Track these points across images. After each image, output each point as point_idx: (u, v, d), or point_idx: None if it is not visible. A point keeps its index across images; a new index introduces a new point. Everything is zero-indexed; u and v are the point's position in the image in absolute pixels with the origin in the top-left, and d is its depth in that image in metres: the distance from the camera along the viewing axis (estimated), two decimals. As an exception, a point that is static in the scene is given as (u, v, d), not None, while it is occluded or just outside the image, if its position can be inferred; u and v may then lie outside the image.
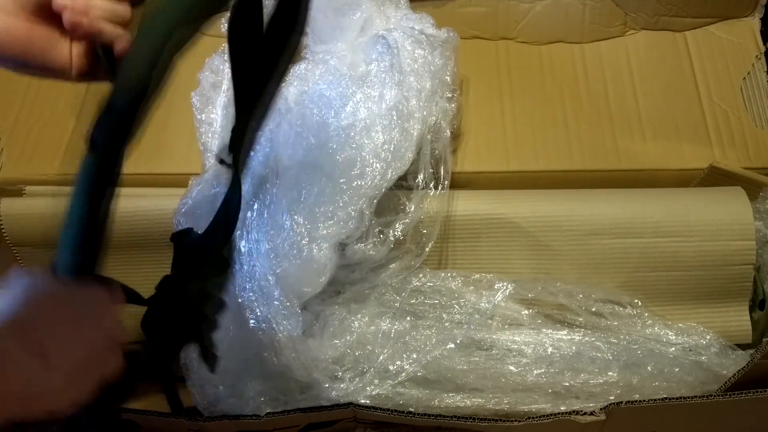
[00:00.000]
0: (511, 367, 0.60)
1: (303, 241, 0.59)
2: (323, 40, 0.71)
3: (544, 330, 0.63)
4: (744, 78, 0.80)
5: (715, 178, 0.72)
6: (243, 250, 0.59)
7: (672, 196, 0.68)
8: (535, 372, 0.60)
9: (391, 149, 0.63)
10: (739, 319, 0.65)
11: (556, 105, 0.79)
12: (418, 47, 0.69)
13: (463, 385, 0.60)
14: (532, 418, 0.55)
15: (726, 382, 0.57)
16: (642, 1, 0.82)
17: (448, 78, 0.70)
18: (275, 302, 0.56)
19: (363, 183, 0.61)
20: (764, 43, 0.81)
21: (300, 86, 0.69)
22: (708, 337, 0.63)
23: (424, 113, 0.66)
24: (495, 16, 0.84)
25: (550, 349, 0.61)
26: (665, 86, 0.80)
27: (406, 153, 0.63)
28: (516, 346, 0.62)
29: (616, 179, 0.75)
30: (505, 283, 0.64)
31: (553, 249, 0.66)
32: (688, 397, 0.55)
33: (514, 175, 0.74)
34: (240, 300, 0.56)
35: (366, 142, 0.63)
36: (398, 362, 0.59)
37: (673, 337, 0.63)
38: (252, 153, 0.57)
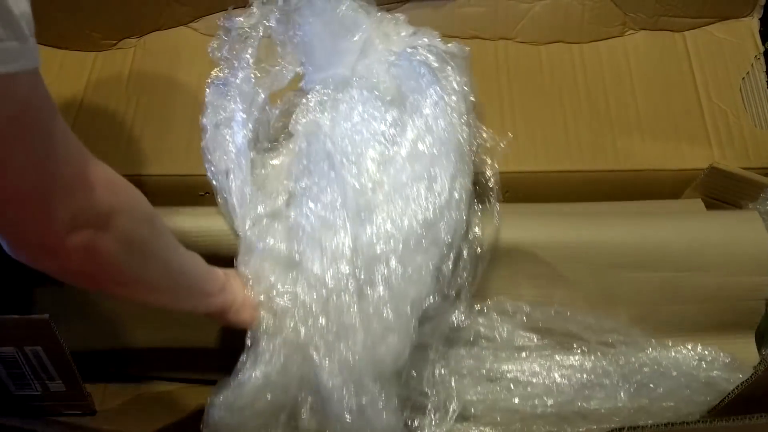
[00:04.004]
0: (521, 399, 0.59)
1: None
2: (321, 67, 0.67)
3: (554, 357, 0.62)
4: (743, 78, 0.80)
5: (716, 178, 0.72)
6: None
7: (691, 225, 0.66)
8: (544, 402, 0.59)
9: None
10: (747, 350, 0.65)
11: (555, 105, 0.79)
12: (446, 65, 0.65)
13: (470, 416, 0.59)
14: None
15: (728, 395, 0.57)
16: (641, 2, 0.82)
17: (472, 98, 0.66)
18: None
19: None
20: (763, 44, 0.81)
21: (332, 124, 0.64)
22: (719, 356, 0.62)
23: (471, 140, 0.64)
24: (494, 16, 0.84)
25: (559, 379, 0.60)
26: (664, 86, 0.80)
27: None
28: (525, 378, 0.61)
29: (615, 179, 0.75)
30: (516, 313, 0.63)
31: (569, 280, 0.64)
32: (691, 423, 0.55)
33: (514, 175, 0.74)
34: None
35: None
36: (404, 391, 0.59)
37: (685, 359, 0.62)
38: None
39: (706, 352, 0.62)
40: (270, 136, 0.67)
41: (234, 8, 0.69)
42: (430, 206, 0.58)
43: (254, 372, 0.54)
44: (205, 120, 0.65)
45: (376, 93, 0.65)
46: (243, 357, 0.55)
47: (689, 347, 0.63)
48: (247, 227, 0.60)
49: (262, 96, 0.65)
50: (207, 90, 0.66)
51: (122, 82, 0.82)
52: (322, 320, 0.55)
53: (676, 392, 0.60)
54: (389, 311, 0.54)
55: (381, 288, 0.55)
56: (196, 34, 0.85)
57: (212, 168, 0.63)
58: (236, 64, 0.65)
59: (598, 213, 0.69)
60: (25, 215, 0.39)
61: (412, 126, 0.62)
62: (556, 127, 0.77)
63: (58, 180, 0.39)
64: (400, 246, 0.56)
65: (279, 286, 0.57)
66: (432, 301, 0.56)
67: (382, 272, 0.56)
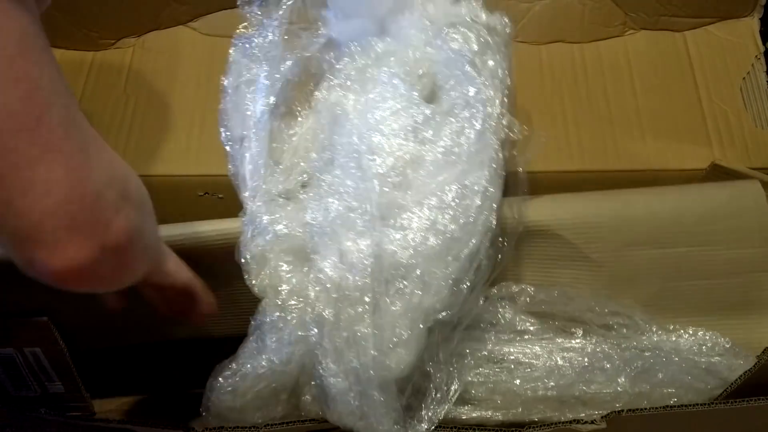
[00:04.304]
0: (521, 381, 0.59)
1: None
2: (346, 13, 0.62)
3: (556, 340, 0.61)
4: (743, 78, 0.80)
5: (718, 176, 0.72)
6: None
7: (701, 197, 0.65)
8: (545, 385, 0.59)
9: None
10: (762, 330, 0.64)
11: (555, 105, 0.79)
12: (488, 51, 0.60)
13: (471, 398, 0.59)
14: (533, 427, 0.55)
15: (731, 385, 0.57)
16: (641, 1, 0.82)
17: (509, 85, 0.61)
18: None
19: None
20: (764, 43, 0.81)
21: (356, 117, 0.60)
22: (720, 341, 0.62)
23: (505, 140, 0.60)
24: (494, 15, 0.84)
25: (560, 361, 0.60)
26: (665, 86, 0.80)
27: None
28: (526, 359, 0.60)
29: (615, 179, 0.75)
30: (522, 295, 0.62)
31: (594, 261, 0.63)
32: (691, 405, 0.55)
33: (514, 175, 0.73)
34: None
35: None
36: None
37: (686, 344, 0.62)
38: None
39: (707, 337, 0.63)
40: (287, 98, 0.62)
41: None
42: (459, 218, 0.54)
43: (259, 361, 0.54)
44: (226, 80, 0.61)
45: (409, 80, 0.60)
46: (246, 344, 0.55)
47: (690, 332, 0.63)
48: (256, 202, 0.58)
49: (289, 62, 0.61)
50: (231, 48, 0.62)
51: (121, 82, 0.81)
52: (332, 325, 0.53)
53: (677, 379, 0.60)
54: (403, 326, 0.53)
55: (398, 302, 0.53)
56: (195, 33, 0.84)
57: (227, 133, 0.60)
58: (265, 22, 0.61)
59: (616, 192, 0.67)
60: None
61: (447, 126, 0.58)
62: (556, 127, 0.77)
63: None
64: (423, 258, 0.53)
65: (287, 278, 0.55)
66: (447, 314, 0.54)
67: (401, 285, 0.53)
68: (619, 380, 0.59)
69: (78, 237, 0.38)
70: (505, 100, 0.59)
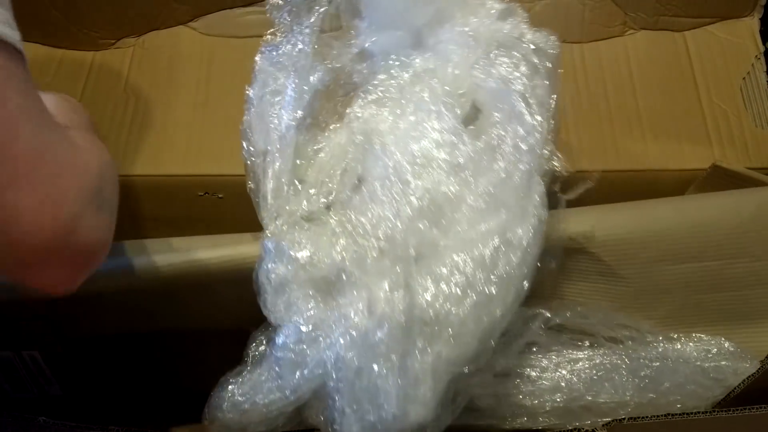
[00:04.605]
0: (528, 396, 0.58)
1: None
2: (381, 23, 0.58)
3: (563, 353, 0.61)
4: (743, 78, 0.80)
5: (718, 177, 0.72)
6: None
7: (729, 210, 0.63)
8: (552, 398, 0.58)
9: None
10: None
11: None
12: (536, 76, 0.56)
13: (475, 408, 0.58)
14: None
15: (734, 390, 0.57)
16: (641, 1, 0.82)
17: (554, 122, 0.57)
18: None
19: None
20: (764, 43, 0.81)
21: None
22: (725, 345, 0.62)
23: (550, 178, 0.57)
24: (494, 15, 0.84)
25: (568, 375, 0.59)
26: (665, 86, 0.80)
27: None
28: (534, 373, 0.59)
29: (615, 179, 0.75)
30: (536, 320, 0.60)
31: (623, 277, 0.61)
32: (693, 413, 0.54)
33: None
34: None
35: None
36: None
37: (691, 351, 0.62)
38: None
39: (712, 342, 0.62)
40: (314, 108, 0.59)
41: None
42: (497, 276, 0.51)
43: (272, 392, 0.52)
44: (251, 90, 0.58)
45: (451, 102, 0.56)
46: (257, 371, 0.53)
47: (694, 338, 0.63)
48: (278, 224, 0.55)
49: (319, 73, 0.58)
50: (258, 55, 0.59)
51: (121, 82, 0.81)
52: (353, 372, 0.50)
53: (682, 386, 0.59)
54: (428, 384, 0.50)
55: (425, 359, 0.50)
56: (195, 33, 0.84)
57: (250, 147, 0.57)
58: (295, 29, 0.58)
59: (651, 204, 0.66)
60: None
61: (492, 166, 0.54)
62: (556, 127, 0.77)
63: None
64: (456, 317, 0.50)
65: (308, 313, 0.52)
66: (471, 368, 0.51)
67: (431, 342, 0.50)
68: (626, 390, 0.59)
69: (57, 263, 0.38)
70: (553, 132, 0.56)
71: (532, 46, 0.58)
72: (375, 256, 0.52)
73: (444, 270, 0.51)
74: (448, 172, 0.54)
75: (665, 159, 0.75)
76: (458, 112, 0.57)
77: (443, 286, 0.50)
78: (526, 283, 0.52)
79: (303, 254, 0.54)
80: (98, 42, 0.83)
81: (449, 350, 0.50)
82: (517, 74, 0.57)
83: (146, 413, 0.75)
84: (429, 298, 0.50)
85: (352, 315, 0.50)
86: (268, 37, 0.59)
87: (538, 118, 0.55)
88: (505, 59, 0.57)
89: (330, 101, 0.59)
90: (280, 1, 0.58)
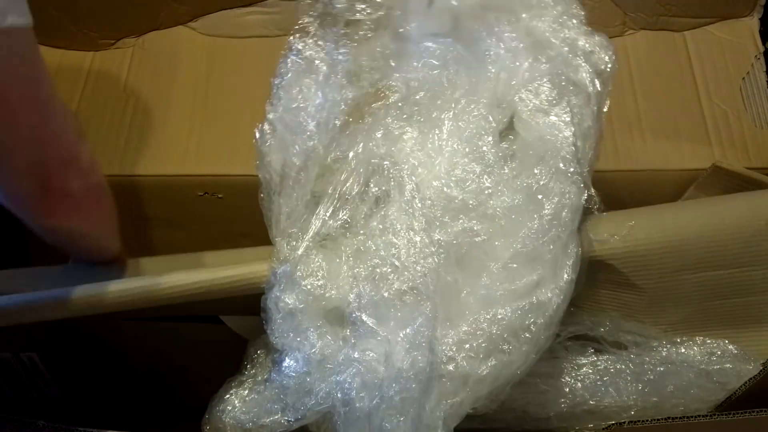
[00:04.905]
0: (532, 403, 0.58)
1: None
2: (418, 5, 0.53)
3: (568, 358, 0.60)
4: (743, 78, 0.80)
5: (718, 177, 0.72)
6: None
7: (747, 218, 0.61)
8: (556, 404, 0.58)
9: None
10: None
11: (555, 105, 0.79)
12: (586, 106, 0.52)
13: (479, 413, 0.55)
14: None
15: (735, 392, 0.57)
16: (641, 1, 0.82)
17: (594, 151, 0.53)
18: None
19: None
20: (763, 43, 0.81)
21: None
22: (728, 348, 0.62)
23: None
24: (494, 16, 0.83)
25: (572, 381, 0.59)
26: (664, 86, 0.80)
27: None
28: (538, 380, 0.59)
29: (615, 179, 0.75)
30: None
31: (638, 287, 0.60)
32: (693, 416, 0.54)
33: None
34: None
35: None
36: None
37: (695, 354, 0.62)
38: None
39: (715, 345, 0.62)
40: (333, 114, 0.54)
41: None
42: (521, 337, 0.49)
43: (276, 417, 0.51)
44: (269, 106, 0.53)
45: (493, 141, 0.52)
46: (263, 395, 0.53)
47: (698, 342, 0.62)
48: (290, 247, 0.53)
49: (351, 95, 0.54)
50: (282, 63, 0.54)
51: (120, 82, 0.81)
52: (364, 416, 0.48)
53: (686, 390, 0.59)
54: (439, 429, 0.48)
55: (438, 410, 0.48)
56: (195, 33, 0.84)
57: (266, 165, 0.53)
58: (327, 39, 0.54)
59: (669, 215, 0.62)
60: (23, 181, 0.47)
61: (529, 222, 0.50)
62: (556, 127, 0.77)
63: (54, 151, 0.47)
64: (474, 378, 0.48)
65: (318, 347, 0.51)
66: (479, 410, 0.51)
67: (445, 397, 0.48)
68: (629, 395, 0.59)
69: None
70: (592, 163, 0.53)
71: (584, 58, 0.54)
72: (397, 305, 0.49)
73: (467, 329, 0.49)
74: (480, 219, 0.51)
75: (665, 159, 0.75)
76: (495, 139, 0.52)
77: (466, 346, 0.49)
78: (548, 343, 0.51)
79: (315, 284, 0.52)
80: (98, 42, 0.83)
81: (463, 400, 0.49)
82: (566, 114, 0.52)
83: (144, 415, 0.74)
84: (449, 356, 0.49)
85: (368, 361, 0.49)
86: (292, 40, 0.54)
87: (583, 169, 0.52)
88: (554, 90, 0.53)
89: (339, 100, 0.55)
90: (309, 3, 0.54)
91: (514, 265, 0.50)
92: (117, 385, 0.72)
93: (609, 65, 0.55)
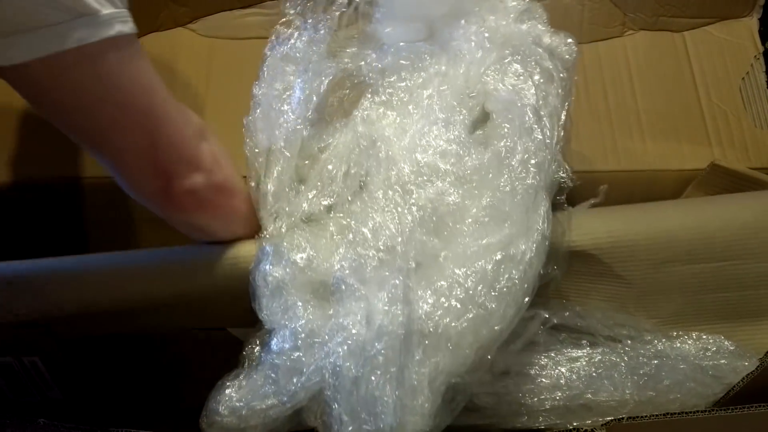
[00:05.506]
0: (528, 394, 0.58)
1: None
2: (394, 13, 0.57)
3: (563, 351, 0.61)
4: (743, 78, 0.80)
5: (717, 176, 0.72)
6: None
7: (738, 212, 0.63)
8: (552, 396, 0.58)
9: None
10: None
11: (555, 105, 0.79)
12: (551, 84, 0.55)
13: (475, 407, 0.57)
14: None
15: (734, 387, 0.57)
16: (641, 2, 0.82)
17: (564, 133, 0.55)
18: None
19: None
20: (763, 44, 0.81)
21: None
22: (724, 343, 0.62)
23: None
24: (494, 16, 0.84)
25: (567, 373, 0.59)
26: (664, 87, 0.80)
27: None
28: (533, 371, 0.59)
29: (615, 180, 0.75)
30: (535, 320, 0.60)
31: (624, 279, 0.61)
32: (691, 412, 0.54)
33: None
34: None
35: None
36: None
37: (690, 349, 0.62)
38: None
39: (711, 341, 0.62)
40: (320, 104, 0.58)
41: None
42: (498, 291, 0.50)
43: (269, 398, 0.52)
44: (258, 86, 0.57)
45: (462, 114, 0.55)
46: (254, 376, 0.53)
47: (693, 337, 0.62)
48: (277, 225, 0.55)
49: (330, 70, 0.57)
50: (267, 49, 0.57)
51: (120, 84, 0.81)
52: (351, 382, 0.49)
53: (682, 384, 0.59)
54: (425, 395, 0.49)
55: (423, 370, 0.49)
56: (194, 35, 0.84)
57: (254, 146, 0.56)
58: (308, 26, 0.57)
59: (655, 206, 0.65)
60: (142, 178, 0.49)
61: (497, 178, 0.53)
62: (556, 128, 0.77)
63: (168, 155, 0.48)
64: (455, 330, 0.49)
65: (305, 319, 0.52)
66: (466, 378, 0.51)
67: (429, 354, 0.49)
68: (625, 389, 0.59)
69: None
70: (562, 141, 0.55)
71: (548, 52, 0.57)
72: (375, 266, 0.51)
73: (444, 283, 0.51)
74: (453, 183, 0.54)
75: (665, 159, 0.75)
76: (467, 120, 0.56)
77: (443, 300, 0.50)
78: (527, 299, 0.51)
79: (302, 257, 0.53)
80: (97, 44, 0.83)
81: (447, 361, 0.50)
82: (530, 83, 0.56)
83: (145, 416, 0.74)
84: (428, 311, 0.50)
85: (351, 325, 0.50)
86: (278, 28, 0.58)
87: (548, 131, 0.54)
88: (519, 66, 0.56)
89: (335, 94, 0.59)
90: None
91: (486, 219, 0.52)
92: (119, 386, 0.72)
93: (572, 56, 0.58)
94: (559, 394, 0.58)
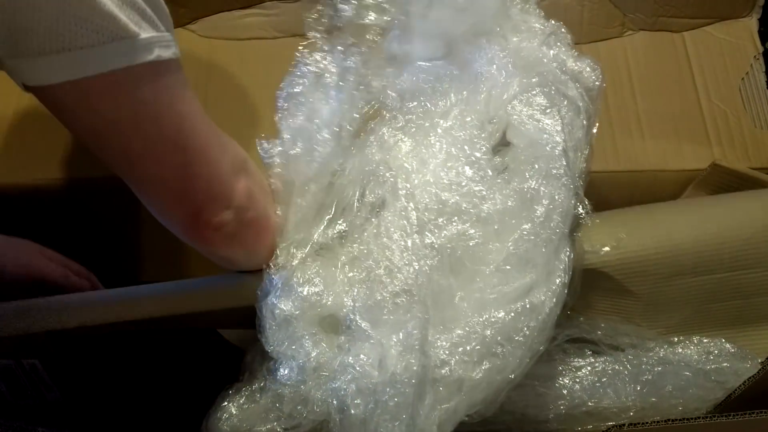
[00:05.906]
0: (531, 405, 0.58)
1: None
2: (412, 28, 0.55)
3: (567, 361, 0.60)
4: (742, 78, 0.80)
5: (717, 176, 0.72)
6: None
7: (742, 221, 0.62)
8: (555, 406, 0.58)
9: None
10: None
11: (555, 106, 0.78)
12: (577, 117, 0.53)
13: (478, 417, 0.55)
14: None
15: (735, 391, 0.57)
16: (640, 2, 0.82)
17: (585, 164, 0.54)
18: None
19: None
20: (762, 44, 0.81)
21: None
22: (725, 347, 0.62)
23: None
24: (493, 17, 0.83)
25: (570, 383, 0.59)
26: (664, 87, 0.80)
27: None
28: (537, 382, 0.58)
29: (615, 180, 0.75)
30: None
31: (633, 293, 0.60)
32: (693, 418, 0.54)
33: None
34: None
35: None
36: None
37: (692, 354, 0.62)
38: None
39: (712, 344, 0.62)
40: (346, 121, 0.56)
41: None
42: (515, 339, 0.49)
43: (271, 423, 0.51)
44: (282, 119, 0.54)
45: (485, 148, 0.52)
46: (258, 403, 0.53)
47: (695, 341, 0.62)
48: (288, 253, 0.53)
49: (364, 96, 0.55)
50: (290, 76, 0.55)
51: (119, 84, 0.81)
52: (359, 424, 0.48)
53: (684, 389, 0.59)
54: None
55: (435, 416, 0.48)
56: (194, 35, 0.84)
57: (276, 169, 0.54)
58: (334, 50, 0.55)
59: (662, 219, 0.63)
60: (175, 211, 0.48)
61: (521, 221, 0.51)
62: (556, 128, 0.77)
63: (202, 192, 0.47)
64: (469, 382, 0.48)
65: (313, 355, 0.50)
66: (473, 417, 0.50)
67: (440, 402, 0.48)
68: (628, 396, 0.59)
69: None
70: (584, 175, 0.54)
71: (573, 77, 0.55)
72: (389, 309, 0.49)
73: (461, 332, 0.49)
74: (474, 224, 0.52)
75: (665, 159, 0.75)
76: (489, 151, 0.53)
77: (460, 350, 0.49)
78: (542, 347, 0.50)
79: (312, 291, 0.51)
80: (97, 44, 0.83)
81: (459, 407, 0.49)
82: (557, 119, 0.53)
83: (144, 419, 0.74)
84: (443, 360, 0.49)
85: (362, 366, 0.49)
86: (305, 51, 0.55)
87: (573, 173, 0.53)
88: (545, 100, 0.54)
89: (352, 109, 0.56)
90: (315, 16, 0.55)
91: (507, 267, 0.51)
92: (118, 390, 0.72)
93: (597, 83, 0.57)
94: (562, 403, 0.58)
